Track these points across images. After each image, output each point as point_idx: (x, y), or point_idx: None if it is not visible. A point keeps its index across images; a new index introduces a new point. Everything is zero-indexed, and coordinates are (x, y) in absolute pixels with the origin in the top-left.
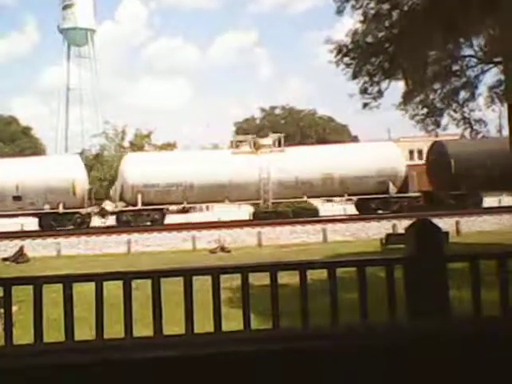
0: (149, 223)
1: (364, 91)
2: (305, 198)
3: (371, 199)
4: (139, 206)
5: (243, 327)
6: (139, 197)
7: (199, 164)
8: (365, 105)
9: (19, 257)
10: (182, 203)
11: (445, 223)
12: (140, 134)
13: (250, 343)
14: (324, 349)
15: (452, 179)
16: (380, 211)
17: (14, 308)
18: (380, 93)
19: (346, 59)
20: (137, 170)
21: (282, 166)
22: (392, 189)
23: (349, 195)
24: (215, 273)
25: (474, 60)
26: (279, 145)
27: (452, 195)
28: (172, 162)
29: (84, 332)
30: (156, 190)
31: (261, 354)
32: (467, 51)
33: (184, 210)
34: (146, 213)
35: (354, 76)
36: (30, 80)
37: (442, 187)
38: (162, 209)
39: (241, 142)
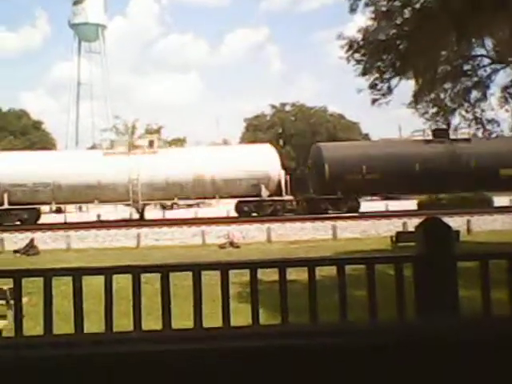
0: (18, 223)
1: (373, 87)
2: (175, 200)
3: (245, 202)
4: (5, 206)
5: (252, 322)
6: (5, 196)
7: (68, 164)
8: (374, 101)
9: (30, 249)
10: (50, 203)
11: (455, 222)
12: (150, 129)
13: (259, 338)
14: (332, 346)
15: (326, 183)
16: (254, 214)
17: (25, 299)
18: (390, 89)
19: (357, 55)
20: (3, 169)
21: (153, 168)
22: (264, 192)
23: (220, 197)
24: (224, 268)
25: (486, 60)
26: (151, 146)
27: (328, 200)
28: (40, 161)
29: (93, 325)
30: (23, 189)
31: (269, 349)
32: (479, 51)
33: (57, 211)
34: (14, 212)
35: (364, 72)
36: (40, 74)
37: (318, 191)
38: (35, 208)
39: (114, 142)
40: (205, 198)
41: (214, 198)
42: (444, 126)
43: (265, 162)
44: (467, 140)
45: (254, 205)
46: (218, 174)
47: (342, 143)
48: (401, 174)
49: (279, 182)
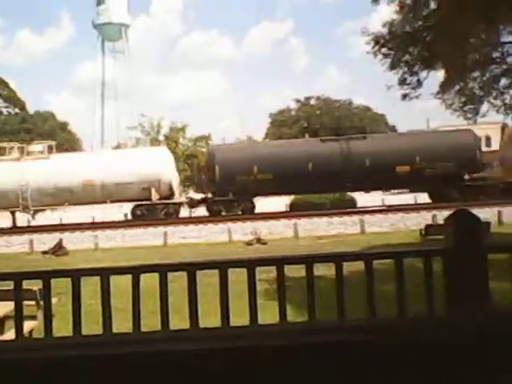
0: None
1: (403, 82)
2: (66, 205)
3: (139, 205)
4: None
5: (279, 319)
6: None
7: None
8: (404, 96)
9: (58, 250)
10: None
11: (487, 213)
12: (175, 128)
13: (286, 336)
14: (361, 342)
15: (217, 185)
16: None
17: (54, 300)
18: (419, 82)
19: (384, 50)
20: None
21: (43, 173)
22: (154, 195)
23: (112, 201)
24: (250, 265)
25: None
26: (50, 151)
27: (221, 201)
28: None
29: (121, 324)
30: None
31: (297, 346)
32: (508, 38)
33: None
34: None
35: (392, 66)
36: (65, 76)
37: (211, 193)
38: None
39: (5, 148)
40: (95, 203)
41: (105, 202)
42: (473, 115)
43: (156, 166)
44: (363, 138)
45: (146, 208)
46: (109, 178)
47: (234, 144)
48: (293, 174)
49: (171, 185)
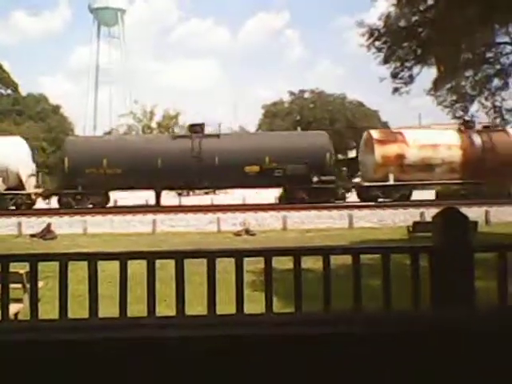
0: None
1: (395, 76)
2: None
3: None
4: None
5: (265, 310)
6: None
7: None
8: (395, 89)
9: (46, 234)
10: None
11: (474, 213)
12: (168, 115)
13: (272, 326)
14: (345, 334)
15: (66, 177)
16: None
17: (41, 283)
18: (411, 78)
19: (378, 43)
20: None
21: None
22: (1, 186)
23: None
24: (238, 255)
25: (509, 47)
26: None
27: (70, 194)
28: None
29: (107, 309)
30: None
31: (281, 337)
32: (502, 38)
33: None
34: None
35: (386, 60)
36: (60, 58)
37: (61, 185)
38: None
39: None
40: None
41: None
42: (462, 114)
43: (4, 156)
44: (216, 136)
45: None
46: None
47: (88, 137)
48: (142, 170)
49: (19, 176)
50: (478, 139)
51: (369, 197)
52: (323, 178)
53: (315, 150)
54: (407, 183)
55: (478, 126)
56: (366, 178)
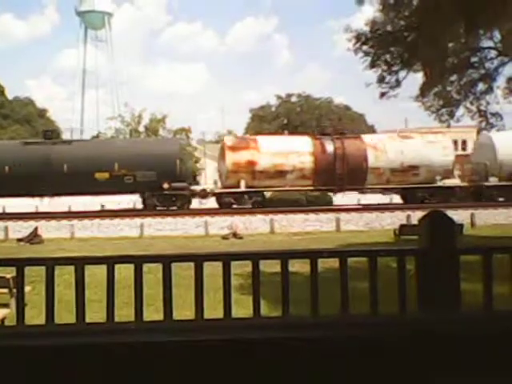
0: None
1: (382, 80)
2: None
3: None
4: None
5: (253, 314)
6: None
7: None
8: (382, 94)
9: (33, 238)
10: None
11: (460, 215)
12: (155, 119)
13: (259, 330)
14: (332, 338)
15: None
16: None
17: (28, 288)
18: (398, 82)
19: (365, 48)
20: None
21: None
22: None
23: None
24: (226, 259)
25: (494, 52)
26: None
27: None
28: None
29: (95, 314)
30: None
31: (269, 340)
32: (487, 43)
33: None
34: None
35: (372, 65)
36: (47, 62)
37: None
38: None
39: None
40: None
41: None
42: (448, 118)
43: None
44: (68, 142)
45: None
46: None
47: None
48: None
49: None
50: (330, 146)
51: (224, 203)
52: (174, 184)
53: (165, 157)
54: (258, 190)
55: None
56: (221, 184)
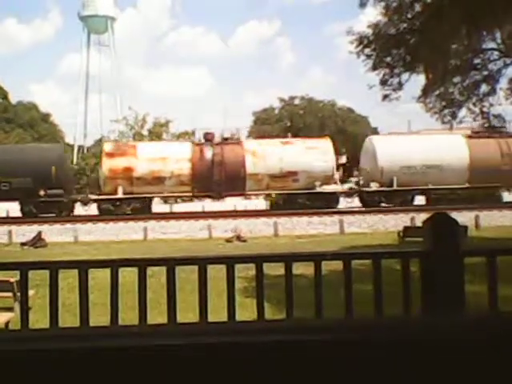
0: None
1: (384, 82)
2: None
3: None
4: None
5: (257, 317)
6: None
7: None
8: (385, 96)
9: (37, 242)
10: None
11: (464, 217)
12: (158, 123)
13: (264, 333)
14: (337, 341)
15: None
16: None
17: (32, 292)
18: (400, 84)
19: (367, 50)
20: None
21: None
22: None
23: None
24: (230, 262)
25: (497, 53)
26: None
27: None
28: None
29: (99, 318)
30: None
31: (274, 344)
32: (489, 44)
33: None
34: None
35: (374, 67)
36: (50, 67)
37: None
38: None
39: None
40: None
41: None
42: (450, 120)
43: None
44: None
45: None
46: None
47: None
48: None
49: None
50: (209, 152)
51: (104, 210)
52: (49, 191)
53: (41, 164)
54: (137, 196)
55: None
56: (102, 190)
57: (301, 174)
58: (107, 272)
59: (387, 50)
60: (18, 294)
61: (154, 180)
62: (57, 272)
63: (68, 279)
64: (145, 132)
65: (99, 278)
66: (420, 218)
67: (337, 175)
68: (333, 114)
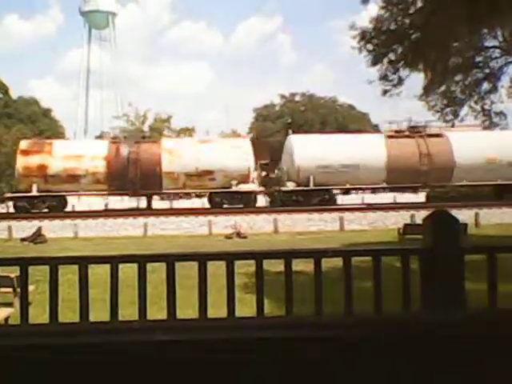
0: None
1: (384, 77)
2: None
3: None
4: None
5: (256, 313)
6: None
7: None
8: (384, 91)
9: (37, 237)
10: None
11: (464, 215)
12: (159, 119)
13: (263, 329)
14: (336, 337)
15: None
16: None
17: (32, 287)
18: (400, 80)
19: (369, 45)
20: None
21: None
22: None
23: None
24: (229, 258)
25: (498, 51)
26: None
27: None
28: None
29: (98, 313)
30: None
31: (273, 340)
32: (491, 42)
33: None
34: None
35: (375, 62)
36: (52, 62)
37: None
38: None
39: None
40: None
41: None
42: (452, 118)
43: None
44: None
45: None
46: None
47: None
48: None
49: None
50: (125, 151)
51: (19, 207)
52: None
53: None
54: (52, 194)
55: None
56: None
57: (217, 173)
58: (107, 268)
59: (388, 45)
60: (18, 289)
61: (69, 178)
62: (57, 267)
63: (68, 275)
64: (146, 128)
65: (99, 274)
66: (420, 216)
67: (254, 174)
68: (334, 111)
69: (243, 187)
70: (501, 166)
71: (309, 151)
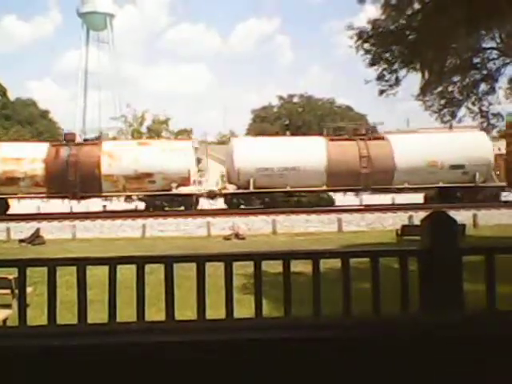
0: None
1: (381, 78)
2: None
3: None
4: None
5: (255, 314)
6: None
7: None
8: (381, 92)
9: (35, 239)
10: None
11: (462, 216)
12: (157, 120)
13: (261, 330)
14: (334, 339)
15: None
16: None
17: (30, 289)
18: (397, 81)
19: (366, 45)
20: None
21: None
22: None
23: None
24: (228, 260)
25: (496, 52)
26: None
27: None
28: None
29: (97, 315)
30: None
31: (271, 341)
32: (489, 43)
33: None
34: None
35: (373, 63)
36: (50, 64)
37: None
38: None
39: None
40: None
41: None
42: (449, 119)
43: None
44: None
45: None
46: None
47: None
48: None
49: None
50: (65, 153)
51: None
52: None
53: None
54: None
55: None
56: None
57: (156, 175)
58: (105, 269)
59: (386, 45)
60: (16, 291)
61: (8, 180)
62: (55, 269)
63: (66, 276)
64: (144, 129)
65: (97, 275)
66: (418, 217)
67: (195, 177)
68: (332, 112)
69: (183, 190)
70: (442, 169)
71: (249, 154)
